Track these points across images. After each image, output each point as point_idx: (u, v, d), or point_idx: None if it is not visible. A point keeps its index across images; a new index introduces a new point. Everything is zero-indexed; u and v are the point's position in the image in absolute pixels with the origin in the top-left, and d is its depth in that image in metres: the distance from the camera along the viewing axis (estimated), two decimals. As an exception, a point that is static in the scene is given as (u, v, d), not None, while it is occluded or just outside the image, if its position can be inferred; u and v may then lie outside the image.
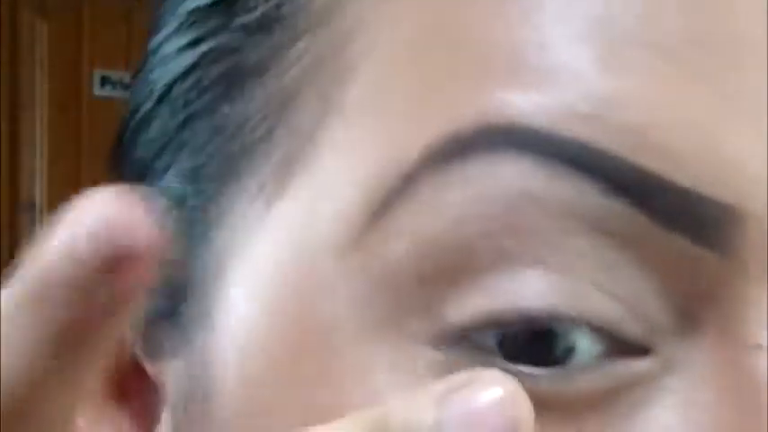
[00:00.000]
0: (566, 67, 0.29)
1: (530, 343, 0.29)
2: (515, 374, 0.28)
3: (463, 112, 0.29)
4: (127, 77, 2.88)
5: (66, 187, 2.91)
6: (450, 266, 0.29)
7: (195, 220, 0.34)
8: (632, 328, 0.29)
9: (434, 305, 0.29)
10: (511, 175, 0.29)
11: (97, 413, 0.36)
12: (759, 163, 0.29)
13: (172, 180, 0.35)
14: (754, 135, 0.29)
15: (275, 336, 0.31)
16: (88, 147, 2.88)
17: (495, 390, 0.23)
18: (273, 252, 0.32)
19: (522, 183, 0.29)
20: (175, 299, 0.34)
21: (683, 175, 0.29)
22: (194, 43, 0.35)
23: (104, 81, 2.91)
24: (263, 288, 0.32)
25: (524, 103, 0.29)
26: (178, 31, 0.35)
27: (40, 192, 2.88)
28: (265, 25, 0.33)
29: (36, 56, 2.87)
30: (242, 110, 0.33)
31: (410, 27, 0.31)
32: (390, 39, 0.31)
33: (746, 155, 0.29)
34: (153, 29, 0.37)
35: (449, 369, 0.29)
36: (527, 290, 0.29)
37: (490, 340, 0.29)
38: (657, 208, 0.29)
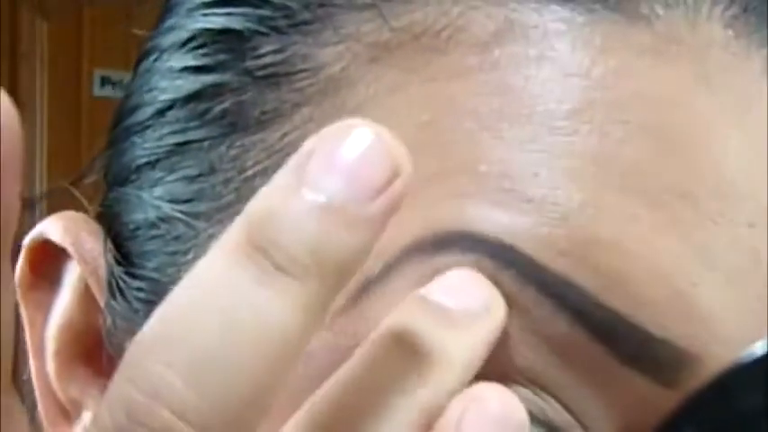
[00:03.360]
0: (554, 203, 0.30)
1: None
2: None
3: (449, 217, 0.30)
4: (127, 77, 2.87)
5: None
6: None
7: (181, 247, 0.35)
8: None
9: None
10: None
11: (66, 372, 0.38)
12: (721, 311, 0.30)
13: (162, 198, 0.36)
14: (720, 285, 0.30)
15: None
16: (88, 147, 2.87)
17: (359, 135, 0.25)
18: None
19: None
20: (152, 304, 0.35)
21: (648, 320, 0.30)
22: (200, 70, 0.35)
23: (104, 81, 2.91)
24: None
25: (510, 225, 0.30)
26: (187, 44, 0.36)
27: (40, 191, 2.88)
28: (272, 77, 0.34)
29: (36, 56, 2.87)
30: (238, 156, 0.34)
31: (409, 123, 0.32)
32: (391, 130, 0.32)
33: (712, 303, 0.30)
34: (160, 23, 0.37)
35: None
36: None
37: None
38: (620, 345, 0.30)
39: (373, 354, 0.27)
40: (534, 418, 0.30)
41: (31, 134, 2.88)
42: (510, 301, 0.30)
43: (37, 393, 0.39)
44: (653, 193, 0.31)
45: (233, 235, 0.26)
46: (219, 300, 0.25)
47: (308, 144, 0.26)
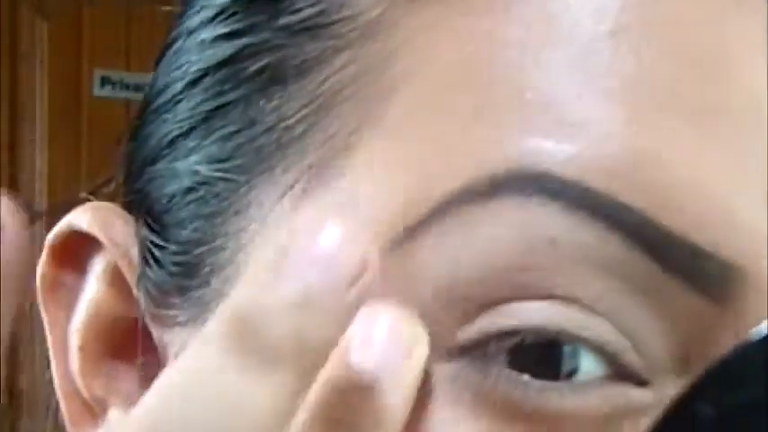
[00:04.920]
0: (599, 123, 0.31)
1: (538, 358, 0.31)
2: (523, 384, 0.31)
3: (497, 155, 0.31)
4: (127, 77, 2.88)
5: (66, 187, 2.91)
6: (466, 295, 0.31)
7: (221, 205, 0.35)
8: (634, 359, 0.31)
9: (448, 326, 0.31)
10: (536, 220, 0.31)
11: (91, 368, 0.38)
12: (762, 223, 0.31)
13: (199, 163, 0.36)
14: (759, 193, 0.31)
15: None
16: (88, 147, 2.87)
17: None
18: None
19: (545, 228, 0.31)
20: (191, 275, 0.36)
21: (697, 235, 0.31)
22: (233, 35, 0.36)
23: (104, 81, 2.90)
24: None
25: (557, 153, 0.31)
26: (216, 18, 0.37)
27: (40, 192, 2.88)
28: (310, 29, 0.35)
29: (36, 56, 2.87)
30: (279, 107, 0.35)
31: (451, 58, 0.33)
32: (432, 66, 0.33)
33: (752, 216, 0.31)
34: (188, 6, 0.38)
35: (457, 380, 0.31)
36: (536, 313, 0.31)
37: (499, 350, 0.31)
38: (670, 261, 0.31)
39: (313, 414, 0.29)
40: (588, 343, 0.31)
41: (30, 134, 2.88)
42: (564, 230, 0.31)
43: (59, 394, 0.39)
44: (690, 110, 0.32)
45: (218, 327, 0.28)
46: (204, 388, 0.27)
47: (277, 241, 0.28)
